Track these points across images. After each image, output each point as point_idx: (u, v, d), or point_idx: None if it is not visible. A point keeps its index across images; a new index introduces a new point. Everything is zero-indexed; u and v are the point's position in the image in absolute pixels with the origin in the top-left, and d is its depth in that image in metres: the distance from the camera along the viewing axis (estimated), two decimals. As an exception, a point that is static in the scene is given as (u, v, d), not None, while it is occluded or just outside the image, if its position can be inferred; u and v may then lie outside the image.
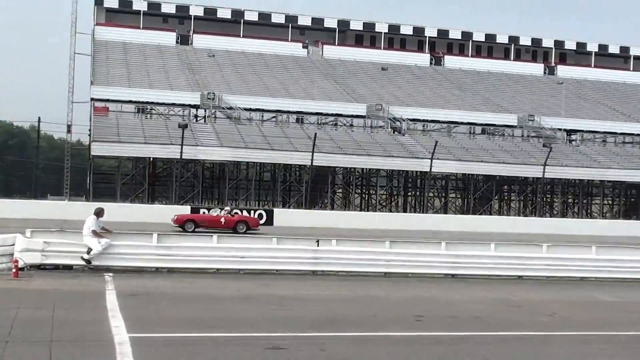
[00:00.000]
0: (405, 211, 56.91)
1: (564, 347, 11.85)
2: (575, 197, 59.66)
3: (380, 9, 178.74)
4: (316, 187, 53.10)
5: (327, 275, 19.87)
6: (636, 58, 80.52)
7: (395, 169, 53.36)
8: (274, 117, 58.23)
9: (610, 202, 62.03)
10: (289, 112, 58.24)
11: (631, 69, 79.91)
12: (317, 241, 20.68)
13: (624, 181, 54.12)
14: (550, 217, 55.22)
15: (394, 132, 56.67)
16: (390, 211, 56.59)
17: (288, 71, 66.74)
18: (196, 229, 32.85)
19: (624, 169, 53.02)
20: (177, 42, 68.78)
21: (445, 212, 54.00)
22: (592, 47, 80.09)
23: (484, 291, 18.25)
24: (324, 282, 18.79)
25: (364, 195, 60.46)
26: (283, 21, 73.02)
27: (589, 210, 60.10)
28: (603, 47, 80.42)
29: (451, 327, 13.16)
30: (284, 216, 42.33)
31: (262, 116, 58.00)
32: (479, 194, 53.54)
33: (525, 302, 16.85)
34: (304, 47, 71.68)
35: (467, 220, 47.14)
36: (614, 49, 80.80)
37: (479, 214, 50.91)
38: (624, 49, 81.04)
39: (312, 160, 46.46)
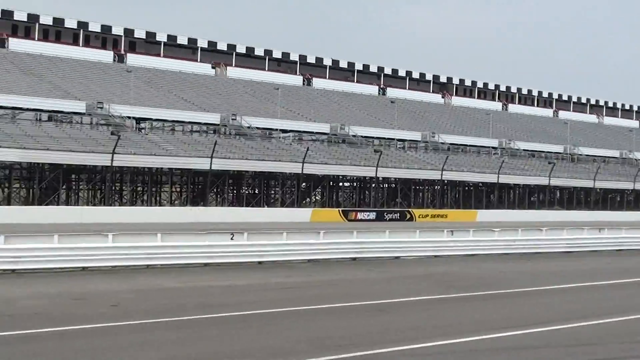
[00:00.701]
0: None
1: (126, 337, 11.89)
2: (145, 185, 60.57)
3: None
4: None
5: None
6: (203, 50, 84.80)
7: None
8: None
9: (178, 189, 64.16)
10: None
11: (199, 60, 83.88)
12: None
13: (191, 169, 56.11)
14: (120, 205, 55.48)
15: None
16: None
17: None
18: None
19: (191, 157, 54.94)
20: None
21: (9, 204, 51.32)
22: (162, 37, 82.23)
23: (47, 285, 17.63)
24: None
25: None
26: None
27: (158, 198, 61.50)
28: (172, 38, 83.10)
29: (8, 327, 12.43)
30: None
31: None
32: (45, 184, 51.73)
33: (89, 294, 16.62)
34: None
35: (30, 211, 45.23)
36: (182, 40, 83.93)
37: (45, 205, 49.18)
38: (192, 40, 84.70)
39: None
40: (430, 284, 19.78)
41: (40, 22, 74.57)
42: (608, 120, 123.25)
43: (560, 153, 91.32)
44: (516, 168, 77.26)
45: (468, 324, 13.56)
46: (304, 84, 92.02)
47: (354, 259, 25.34)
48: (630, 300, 17.11)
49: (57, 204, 51.65)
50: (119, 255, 21.23)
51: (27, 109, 57.36)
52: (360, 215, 56.76)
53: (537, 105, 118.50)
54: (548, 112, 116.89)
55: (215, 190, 60.51)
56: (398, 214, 59.58)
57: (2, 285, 17.42)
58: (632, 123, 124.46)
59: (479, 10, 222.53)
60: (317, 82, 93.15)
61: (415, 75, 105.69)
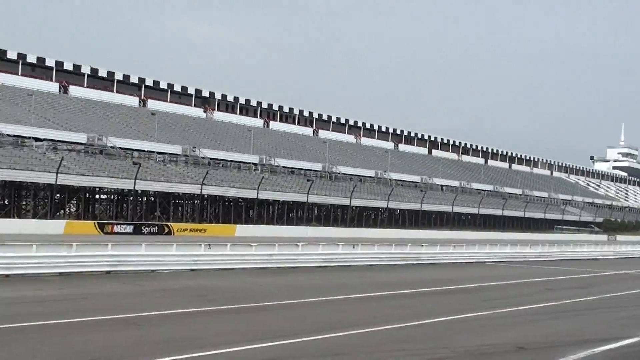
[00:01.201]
0: None
1: None
2: None
3: None
4: None
5: None
6: None
7: None
8: None
9: None
10: None
11: None
12: None
13: None
14: None
15: None
16: None
17: None
18: None
19: None
20: None
21: None
22: None
23: None
24: None
25: None
26: None
27: None
28: None
29: None
30: None
31: None
32: None
33: None
34: None
35: None
36: None
37: None
38: None
39: None
40: (185, 297, 19.80)
41: None
42: (365, 141, 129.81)
43: (319, 171, 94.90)
44: (276, 184, 79.23)
45: (219, 337, 13.76)
46: (60, 91, 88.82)
47: (109, 272, 24.80)
48: (375, 312, 18.17)
49: None
50: None
51: None
52: (117, 228, 55.57)
53: (298, 124, 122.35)
54: (308, 131, 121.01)
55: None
56: (156, 228, 58.99)
57: None
58: (388, 144, 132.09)
59: (242, 28, 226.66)
60: (75, 90, 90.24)
61: (177, 88, 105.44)
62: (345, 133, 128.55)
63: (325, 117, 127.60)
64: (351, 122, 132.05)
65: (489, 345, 13.70)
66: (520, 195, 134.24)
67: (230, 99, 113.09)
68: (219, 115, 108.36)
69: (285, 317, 16.83)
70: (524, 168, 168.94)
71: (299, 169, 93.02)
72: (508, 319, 17.88)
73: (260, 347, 12.77)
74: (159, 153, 77.43)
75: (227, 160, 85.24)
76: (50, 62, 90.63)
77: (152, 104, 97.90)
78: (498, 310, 19.10)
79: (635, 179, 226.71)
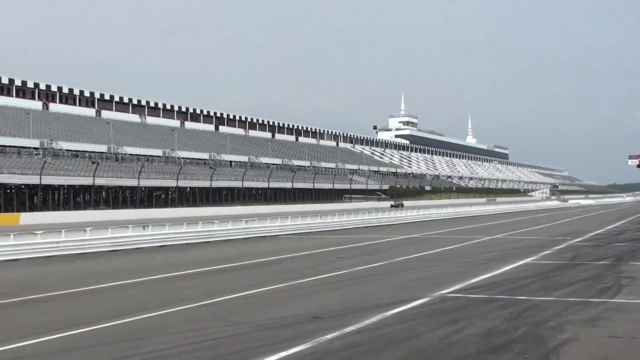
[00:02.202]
0: None
1: None
2: None
3: None
4: None
5: None
6: None
7: None
8: None
9: None
10: None
11: None
12: None
13: None
14: None
15: None
16: None
17: None
18: None
19: None
20: None
21: None
22: None
23: None
24: None
25: None
26: None
27: None
28: None
29: None
30: None
31: None
32: None
33: None
34: None
35: None
36: None
37: None
38: None
39: None
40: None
41: None
42: (151, 120, 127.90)
43: (104, 153, 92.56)
44: (60, 168, 76.48)
45: (9, 331, 13.29)
46: None
47: None
48: (167, 294, 18.22)
49: None
50: None
51: None
52: None
53: (80, 105, 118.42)
54: (91, 112, 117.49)
55: None
56: None
57: None
58: (174, 123, 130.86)
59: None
60: None
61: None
62: (129, 113, 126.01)
63: (107, 97, 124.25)
64: (135, 101, 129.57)
65: (285, 317, 14.12)
66: (308, 167, 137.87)
67: (5, 80, 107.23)
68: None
69: (76, 306, 16.49)
70: (311, 140, 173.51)
71: (83, 151, 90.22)
72: (303, 289, 18.45)
73: (52, 338, 12.46)
74: None
75: (5, 146, 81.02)
76: None
77: None
78: (293, 282, 19.69)
79: (416, 146, 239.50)
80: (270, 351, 11.04)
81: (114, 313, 14.93)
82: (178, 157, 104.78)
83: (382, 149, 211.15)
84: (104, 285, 20.01)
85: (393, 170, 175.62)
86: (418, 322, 13.43)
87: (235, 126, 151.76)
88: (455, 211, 74.19)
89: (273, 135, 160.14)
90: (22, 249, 28.12)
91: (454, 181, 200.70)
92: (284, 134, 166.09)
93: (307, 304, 16.03)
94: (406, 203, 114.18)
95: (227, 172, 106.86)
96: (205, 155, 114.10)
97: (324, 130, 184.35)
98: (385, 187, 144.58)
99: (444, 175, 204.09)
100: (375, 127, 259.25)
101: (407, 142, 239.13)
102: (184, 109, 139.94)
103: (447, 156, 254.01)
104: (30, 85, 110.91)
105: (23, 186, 72.81)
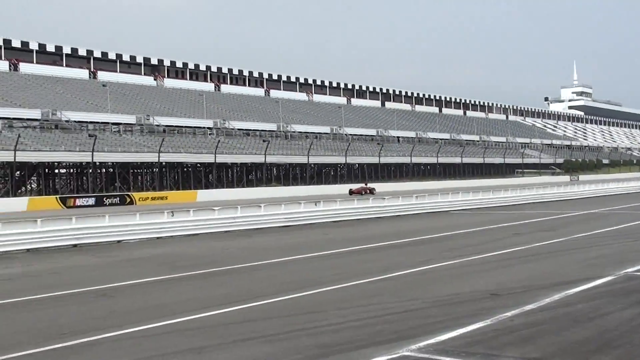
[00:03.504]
0: None
1: None
2: None
3: None
4: None
5: None
6: None
7: None
8: None
9: None
10: None
11: None
12: None
13: None
14: None
15: None
16: None
17: None
18: None
19: None
20: None
21: None
22: None
23: None
24: None
25: None
26: None
27: None
28: None
29: None
30: None
31: None
32: None
33: None
34: None
35: None
36: None
37: None
38: None
39: None
40: (153, 265, 19.80)
41: None
42: (318, 98, 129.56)
43: (274, 131, 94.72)
44: (232, 147, 79.06)
45: (193, 302, 13.79)
46: (10, 69, 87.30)
47: (75, 245, 24.69)
48: (343, 268, 18.35)
49: None
50: None
51: None
52: (79, 202, 55.14)
53: (249, 85, 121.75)
54: (260, 92, 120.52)
55: None
56: (118, 198, 58.68)
57: None
58: (341, 100, 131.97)
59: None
60: (25, 67, 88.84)
61: (126, 57, 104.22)
62: (297, 91, 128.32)
63: (275, 77, 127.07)
64: (302, 80, 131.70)
65: (460, 294, 13.85)
66: (477, 141, 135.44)
67: (179, 65, 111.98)
68: (170, 82, 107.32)
69: (254, 279, 16.90)
70: (479, 114, 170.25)
71: (254, 130, 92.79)
72: (478, 266, 18.05)
73: (232, 310, 12.83)
74: (113, 124, 76.62)
75: (181, 127, 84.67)
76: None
77: (103, 75, 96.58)
78: (467, 258, 19.32)
79: (592, 118, 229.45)
80: (448, 327, 10.85)
81: (290, 287, 15.19)
82: (345, 134, 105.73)
83: (555, 121, 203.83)
84: (281, 259, 20.44)
85: (567, 143, 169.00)
86: (602, 302, 12.77)
87: (401, 101, 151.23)
88: (638, 185, 70.17)
89: (440, 110, 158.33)
90: (202, 224, 29.27)
91: (634, 154, 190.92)
92: (451, 108, 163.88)
93: (483, 280, 15.65)
94: (583, 177, 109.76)
95: (395, 148, 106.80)
96: (372, 132, 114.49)
97: (492, 104, 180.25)
98: (560, 160, 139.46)
99: (622, 148, 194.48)
100: (546, 99, 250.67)
101: (581, 113, 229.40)
102: (350, 86, 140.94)
103: (625, 127, 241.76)
104: (202, 68, 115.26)
105: (199, 165, 75.90)
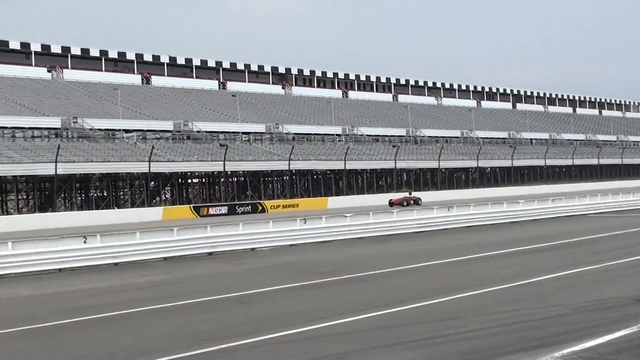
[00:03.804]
0: None
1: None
2: (-9, 194, 58.14)
3: None
4: None
5: None
6: (37, 53, 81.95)
7: None
8: None
9: (25, 196, 61.79)
10: None
11: (33, 64, 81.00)
12: None
13: (36, 175, 54.23)
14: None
15: None
16: None
17: None
18: None
19: (35, 163, 53.03)
20: None
21: None
22: (-8, 44, 79.44)
23: None
24: None
25: None
26: None
27: (5, 207, 59.06)
28: (4, 43, 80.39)
29: None
30: None
31: None
32: None
33: None
34: None
35: None
36: (14, 45, 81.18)
37: None
38: (25, 45, 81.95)
39: None
40: (288, 272, 19.98)
41: None
42: (447, 101, 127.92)
43: (403, 136, 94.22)
44: (362, 153, 79.16)
45: (328, 309, 13.80)
46: (142, 82, 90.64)
47: (210, 253, 25.26)
48: (479, 274, 17.95)
49: None
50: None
51: None
52: (212, 211, 56.56)
53: (377, 91, 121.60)
54: (388, 97, 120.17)
55: (63, 195, 58.70)
56: (250, 207, 59.81)
57: None
58: (470, 103, 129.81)
59: (310, 1, 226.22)
60: (156, 80, 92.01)
61: (254, 67, 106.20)
62: (425, 95, 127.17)
63: (403, 82, 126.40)
64: (430, 84, 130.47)
65: (604, 300, 13.32)
66: (614, 142, 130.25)
67: (306, 72, 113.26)
68: (298, 90, 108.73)
69: (389, 285, 16.78)
70: (615, 113, 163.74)
71: (383, 135, 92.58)
72: (621, 270, 17.35)
73: (368, 316, 12.78)
74: (243, 133, 78.26)
75: (310, 134, 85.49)
76: (130, 56, 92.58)
77: (232, 86, 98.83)
78: (609, 263, 18.57)
79: None
80: (594, 334, 10.45)
81: (427, 293, 14.98)
82: (476, 137, 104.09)
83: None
84: (415, 265, 20.23)
85: None
86: None
87: (533, 103, 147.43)
88: None
89: (574, 110, 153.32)
90: (334, 231, 29.38)
91: None
92: (585, 107, 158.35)
93: (628, 285, 15.00)
94: None
95: (528, 151, 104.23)
96: (503, 134, 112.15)
97: (630, 102, 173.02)
98: None
99: None
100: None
101: None
102: (479, 89, 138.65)
103: None
104: (329, 75, 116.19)
105: (329, 172, 76.45)
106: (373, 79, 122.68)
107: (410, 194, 67.22)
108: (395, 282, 17.34)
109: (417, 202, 63.06)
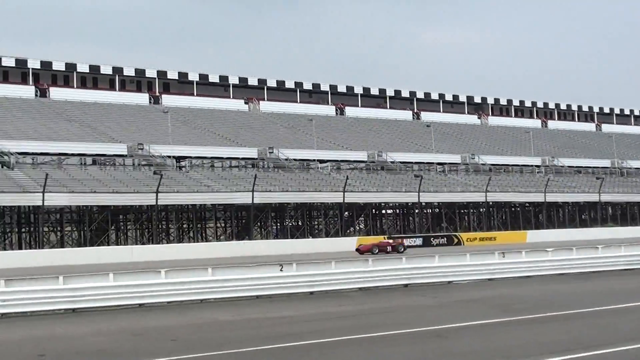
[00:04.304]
0: (20, 248, 53.60)
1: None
2: (190, 222, 61.00)
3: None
4: None
5: None
6: (235, 86, 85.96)
7: (6, 204, 49.94)
8: None
9: (223, 224, 64.47)
10: None
11: (231, 97, 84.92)
12: None
13: (233, 203, 56.46)
14: (168, 243, 55.80)
15: (2, 167, 53.39)
16: (4, 249, 52.87)
17: None
18: None
19: (233, 192, 55.25)
20: None
21: (62, 246, 52.08)
22: (194, 77, 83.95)
23: (107, 322, 17.86)
24: None
25: (-29, 237, 55.86)
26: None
27: (204, 234, 61.80)
28: (204, 77, 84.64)
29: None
30: None
31: None
32: (95, 226, 52.38)
33: (148, 329, 16.67)
34: None
35: (84, 252, 46.12)
36: (214, 78, 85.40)
37: (96, 246, 49.79)
38: (224, 78, 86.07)
39: None
40: (486, 307, 19.44)
41: (78, 70, 77.02)
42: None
43: (607, 167, 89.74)
44: (563, 186, 76.25)
45: (529, 347, 13.24)
46: (336, 113, 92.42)
47: (406, 285, 25.05)
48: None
49: (108, 244, 52.41)
50: (173, 291, 21.41)
51: (72, 154, 58.39)
52: (406, 242, 56.29)
53: (578, 120, 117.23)
54: (590, 127, 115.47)
55: (259, 223, 60.68)
56: (445, 239, 59.23)
57: (65, 324, 17.82)
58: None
59: (506, 28, 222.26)
60: (350, 111, 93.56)
61: (449, 97, 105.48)
62: (631, 125, 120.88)
63: (607, 110, 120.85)
64: (637, 112, 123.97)
65: None
66: None
67: (503, 102, 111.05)
68: (494, 120, 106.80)
69: (592, 326, 15.91)
70: None
71: (585, 167, 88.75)
72: None
73: (569, 358, 12.07)
74: (438, 164, 77.77)
75: (507, 165, 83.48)
76: (324, 87, 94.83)
77: (426, 116, 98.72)
78: None
79: None
80: None
81: (633, 336, 13.98)
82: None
83: None
84: (621, 305, 19.00)
85: None
86: None
87: None
88: None
89: None
90: (534, 266, 28.34)
91: None
92: None
93: None
94: None
95: None
96: None
97: None
98: None
99: None
100: None
101: None
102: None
103: None
104: (527, 104, 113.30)
105: (527, 204, 74.25)
106: (574, 107, 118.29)
107: (387, 237, 53.80)
108: (599, 322, 16.39)
109: (396, 248, 48.19)
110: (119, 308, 20.26)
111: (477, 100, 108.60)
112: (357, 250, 47.86)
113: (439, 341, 14.38)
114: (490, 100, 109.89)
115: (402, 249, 47.40)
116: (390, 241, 49.54)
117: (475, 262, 27.48)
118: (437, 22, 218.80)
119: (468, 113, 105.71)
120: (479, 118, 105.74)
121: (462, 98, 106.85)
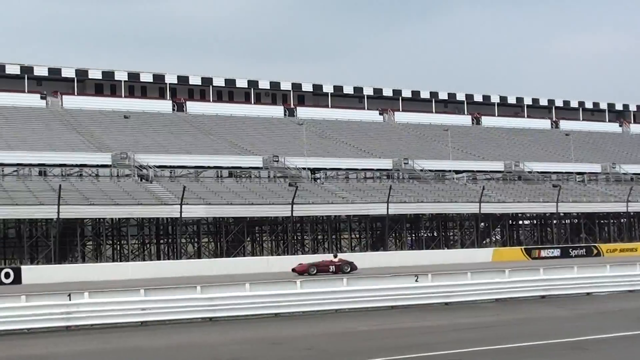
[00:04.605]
0: (158, 259, 55.86)
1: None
2: (325, 233, 61.71)
3: (119, 57, 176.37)
4: (65, 241, 50.76)
5: (83, 329, 19.03)
6: (369, 97, 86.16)
7: (145, 216, 52.29)
8: (15, 171, 54.97)
9: (358, 235, 64.88)
10: (30, 165, 55.41)
11: (365, 108, 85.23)
12: (69, 295, 19.85)
13: (368, 214, 56.76)
14: (302, 254, 56.67)
15: (141, 180, 55.69)
16: (144, 260, 55.32)
17: (27, 123, 63.97)
18: None
19: (368, 203, 55.56)
20: None
21: (199, 257, 53.81)
22: (328, 89, 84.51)
23: (243, 331, 18.35)
24: (79, 336, 17.94)
25: (115, 246, 58.64)
26: (18, 72, 70.13)
27: (339, 245, 62.34)
28: (338, 88, 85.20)
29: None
30: (33, 273, 40.67)
31: (2, 170, 54.48)
32: (231, 237, 53.86)
33: (284, 338, 17.09)
34: (42, 98, 69.32)
35: (221, 263, 47.39)
36: (348, 90, 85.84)
37: (233, 257, 51.18)
38: (358, 89, 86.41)
39: (58, 213, 44.51)
40: (626, 319, 18.92)
41: (214, 84, 78.89)
42: None
43: None
44: None
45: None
46: (472, 123, 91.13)
47: (543, 296, 24.60)
48: None
49: (244, 255, 53.69)
50: (308, 301, 21.81)
51: (209, 167, 60.30)
52: (544, 253, 55.16)
53: None
54: None
55: (393, 234, 60.72)
56: (584, 250, 57.50)
57: (202, 333, 18.37)
58: None
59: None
60: (486, 120, 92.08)
61: (589, 105, 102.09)
62: None
63: None
64: None
65: None
66: None
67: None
68: (636, 128, 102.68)
69: None
70: None
71: None
72: None
73: None
74: (577, 173, 75.54)
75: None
76: (460, 97, 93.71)
77: (565, 124, 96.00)
78: None
79: None
80: None
81: None
82: None
83: None
84: None
85: None
86: None
87: None
88: None
89: None
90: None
91: None
92: None
93: None
94: None
95: None
96: None
97: None
98: None
99: None
100: None
101: None
102: None
103: None
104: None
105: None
106: None
107: (335, 256, 44.36)
108: None
109: (341, 268, 41.07)
110: (255, 317, 20.77)
111: (619, 107, 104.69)
112: (293, 270, 40.67)
113: (579, 353, 14.15)
114: (633, 108, 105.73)
115: (348, 269, 40.87)
116: (335, 260, 42.74)
117: (615, 273, 26.70)
118: (572, 28, 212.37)
119: (609, 121, 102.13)
120: (620, 126, 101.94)
121: (603, 105, 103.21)
